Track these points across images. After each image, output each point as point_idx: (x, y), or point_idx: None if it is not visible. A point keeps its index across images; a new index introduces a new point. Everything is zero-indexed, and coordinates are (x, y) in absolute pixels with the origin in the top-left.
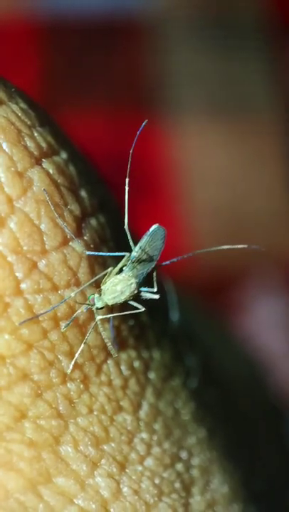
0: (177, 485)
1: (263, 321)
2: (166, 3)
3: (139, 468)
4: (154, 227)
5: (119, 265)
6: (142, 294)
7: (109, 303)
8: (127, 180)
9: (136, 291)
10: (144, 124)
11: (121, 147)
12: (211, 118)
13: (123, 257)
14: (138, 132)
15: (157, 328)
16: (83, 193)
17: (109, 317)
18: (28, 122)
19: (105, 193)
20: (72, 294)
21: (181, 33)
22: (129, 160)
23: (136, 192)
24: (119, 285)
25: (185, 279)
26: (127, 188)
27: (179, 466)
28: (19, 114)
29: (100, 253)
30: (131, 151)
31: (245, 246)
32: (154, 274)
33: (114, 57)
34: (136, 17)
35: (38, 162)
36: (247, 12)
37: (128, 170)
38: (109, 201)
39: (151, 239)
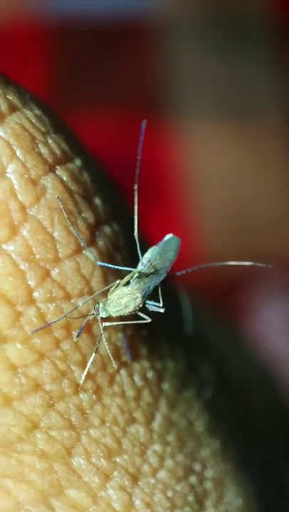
0: (190, 498)
1: (272, 324)
2: (173, 5)
3: (152, 480)
4: (168, 236)
5: (126, 278)
6: (148, 306)
7: (114, 315)
8: (135, 186)
9: (141, 305)
10: (143, 124)
11: (129, 150)
12: (218, 120)
13: (134, 267)
14: (141, 136)
15: (171, 338)
16: (97, 201)
17: (118, 326)
18: (42, 129)
19: (118, 199)
20: (80, 304)
21: (188, 34)
22: (137, 166)
23: (142, 196)
24: (124, 298)
25: (193, 283)
26: (135, 195)
27: (193, 479)
28: (33, 121)
29: (110, 265)
30: (138, 157)
31: (251, 263)
32: (160, 289)
33: (121, 59)
34: (143, 19)
35: (51, 169)
36: (254, 13)
37: (136, 176)
38: (122, 208)
39: (163, 249)
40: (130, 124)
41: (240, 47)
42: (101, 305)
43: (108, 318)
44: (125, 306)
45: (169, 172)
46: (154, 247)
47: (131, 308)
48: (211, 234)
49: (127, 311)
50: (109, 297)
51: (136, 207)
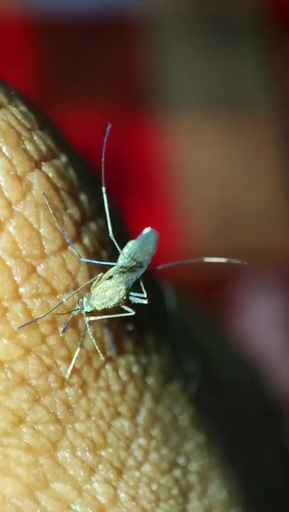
0: (175, 491)
1: (259, 321)
2: (161, 0)
3: (137, 474)
4: (146, 230)
5: (109, 272)
6: (132, 298)
7: (98, 308)
8: (103, 188)
9: (125, 297)
10: (108, 128)
11: (116, 145)
12: (206, 115)
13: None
14: (105, 138)
15: (156, 333)
16: (83, 197)
17: (103, 321)
18: (28, 125)
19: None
20: (65, 300)
21: (175, 29)
22: (102, 167)
23: (130, 191)
24: (108, 291)
25: (180, 279)
26: (105, 196)
27: (177, 472)
28: (19, 118)
29: (94, 261)
30: (102, 160)
31: (226, 260)
32: (141, 282)
33: (108, 54)
34: (131, 14)
35: (37, 166)
36: (242, 8)
37: (103, 178)
38: (108, 204)
39: (142, 243)
40: (119, 119)
41: (229, 41)
42: (85, 299)
43: (92, 312)
44: (110, 299)
45: (157, 166)
46: (133, 241)
47: (115, 300)
48: (198, 228)
49: (111, 304)
50: (92, 291)
51: (107, 207)
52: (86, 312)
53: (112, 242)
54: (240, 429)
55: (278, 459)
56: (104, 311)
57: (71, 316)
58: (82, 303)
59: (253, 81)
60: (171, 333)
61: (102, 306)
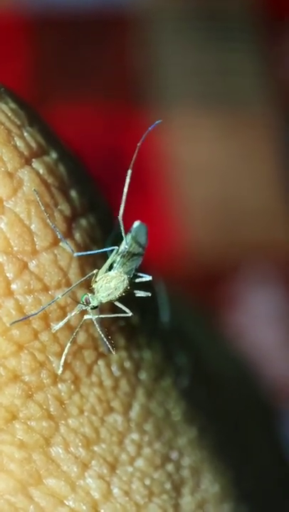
0: (167, 486)
1: (255, 315)
2: None
3: (130, 469)
4: (136, 224)
5: (109, 261)
6: (135, 291)
7: (104, 300)
8: (129, 171)
9: (128, 288)
10: (157, 122)
11: (110, 140)
12: (201, 111)
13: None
14: (149, 128)
15: (148, 329)
16: (73, 193)
17: (99, 318)
18: (18, 122)
19: (95, 192)
20: (60, 296)
21: (170, 25)
22: (136, 153)
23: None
24: (112, 282)
25: (177, 274)
26: (128, 180)
27: (170, 467)
28: (9, 114)
29: (89, 252)
30: (138, 144)
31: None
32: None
33: (103, 49)
34: (125, 9)
35: (28, 162)
36: (236, 4)
37: (132, 162)
38: (99, 201)
39: (136, 234)
40: (114, 114)
41: (223, 36)
42: (90, 294)
43: (95, 309)
44: (115, 289)
45: (152, 161)
46: (128, 235)
47: (120, 290)
48: (196, 223)
49: (117, 294)
50: (94, 285)
51: (126, 188)
52: (93, 307)
53: (104, 239)
54: (232, 423)
55: (270, 453)
56: (100, 311)
57: (73, 313)
58: (87, 299)
59: (248, 76)
60: (163, 329)
61: (108, 298)
